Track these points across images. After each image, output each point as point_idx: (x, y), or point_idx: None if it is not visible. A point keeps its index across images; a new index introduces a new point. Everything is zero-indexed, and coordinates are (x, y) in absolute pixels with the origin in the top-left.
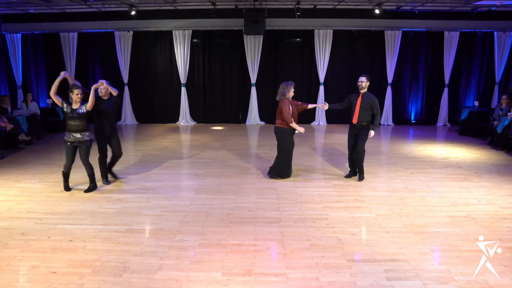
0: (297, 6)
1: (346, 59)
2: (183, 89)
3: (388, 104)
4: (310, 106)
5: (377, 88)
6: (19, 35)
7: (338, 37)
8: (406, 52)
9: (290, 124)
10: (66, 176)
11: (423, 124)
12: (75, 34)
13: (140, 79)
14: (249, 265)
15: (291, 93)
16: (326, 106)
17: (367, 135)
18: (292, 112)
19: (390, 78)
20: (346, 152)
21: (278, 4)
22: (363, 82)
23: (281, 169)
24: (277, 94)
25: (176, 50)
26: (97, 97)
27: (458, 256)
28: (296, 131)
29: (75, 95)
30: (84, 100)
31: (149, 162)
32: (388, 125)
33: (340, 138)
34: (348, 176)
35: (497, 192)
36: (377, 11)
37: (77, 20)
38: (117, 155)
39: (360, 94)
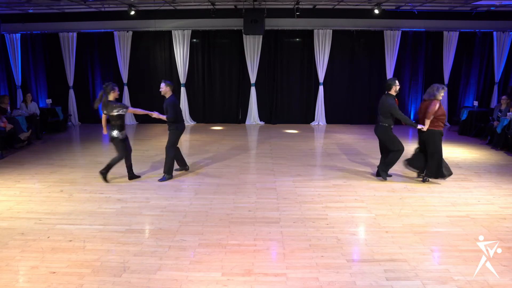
0: (296, 6)
1: (345, 59)
2: (183, 89)
3: None
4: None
5: (376, 88)
6: (18, 35)
7: (338, 37)
8: (405, 52)
9: (426, 119)
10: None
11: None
12: (75, 34)
13: (139, 79)
14: (248, 265)
15: (440, 96)
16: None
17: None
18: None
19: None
20: (345, 152)
21: (278, 4)
22: None
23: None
24: (426, 94)
25: (176, 50)
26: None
27: (458, 256)
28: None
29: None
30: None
31: (148, 162)
32: None
33: (340, 138)
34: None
35: (497, 192)
36: (376, 11)
37: (76, 20)
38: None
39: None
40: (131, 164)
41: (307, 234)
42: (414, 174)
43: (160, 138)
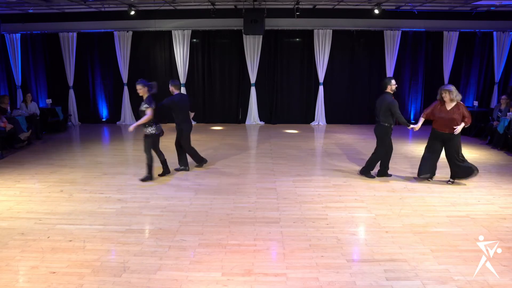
0: (296, 6)
1: (345, 59)
2: (183, 89)
3: None
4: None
5: (376, 88)
6: (18, 35)
7: (338, 37)
8: (405, 52)
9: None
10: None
11: (422, 124)
12: (75, 34)
13: (139, 79)
14: (248, 265)
15: (441, 96)
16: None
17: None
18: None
19: None
20: (345, 152)
21: (278, 4)
22: None
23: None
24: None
25: (176, 50)
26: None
27: (458, 256)
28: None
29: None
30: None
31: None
32: None
33: (340, 138)
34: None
35: (497, 192)
36: (376, 11)
37: (76, 20)
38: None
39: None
40: (165, 159)
41: (307, 234)
42: (413, 174)
43: (160, 138)
